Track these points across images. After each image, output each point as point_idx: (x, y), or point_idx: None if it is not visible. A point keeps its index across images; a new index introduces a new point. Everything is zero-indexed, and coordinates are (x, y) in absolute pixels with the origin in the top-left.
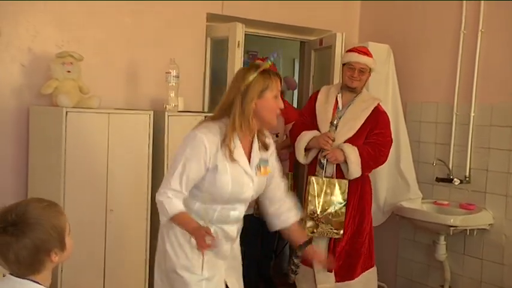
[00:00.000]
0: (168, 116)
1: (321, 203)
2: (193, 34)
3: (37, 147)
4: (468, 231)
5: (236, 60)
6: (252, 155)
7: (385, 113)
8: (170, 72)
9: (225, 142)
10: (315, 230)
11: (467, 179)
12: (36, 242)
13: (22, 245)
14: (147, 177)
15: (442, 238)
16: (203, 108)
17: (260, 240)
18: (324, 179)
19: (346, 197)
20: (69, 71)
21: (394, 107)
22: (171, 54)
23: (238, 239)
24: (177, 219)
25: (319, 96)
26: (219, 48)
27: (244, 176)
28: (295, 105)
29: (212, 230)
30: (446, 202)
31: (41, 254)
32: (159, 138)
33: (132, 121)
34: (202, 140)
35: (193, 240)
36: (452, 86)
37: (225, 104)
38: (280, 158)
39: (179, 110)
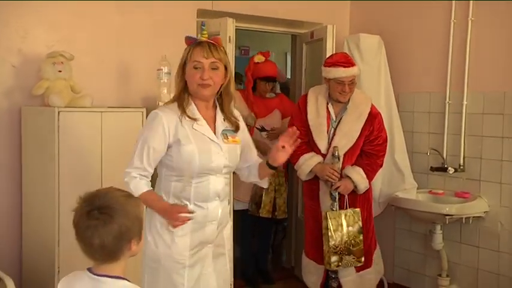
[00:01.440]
0: None
1: (340, 237)
2: (184, 30)
3: (30, 147)
4: (464, 219)
5: (228, 56)
6: (216, 124)
7: (379, 113)
8: (162, 69)
9: (181, 113)
10: (340, 264)
11: (461, 167)
12: (122, 228)
13: (109, 229)
14: None
15: (438, 227)
16: None
17: (257, 236)
18: (338, 211)
19: (361, 224)
20: (60, 71)
21: (387, 98)
22: (163, 51)
23: (229, 229)
24: (144, 199)
25: (309, 108)
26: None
27: (210, 144)
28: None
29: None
30: (441, 191)
31: (123, 241)
32: None
33: (125, 119)
34: (160, 117)
35: (165, 221)
36: (444, 75)
37: (175, 85)
38: None
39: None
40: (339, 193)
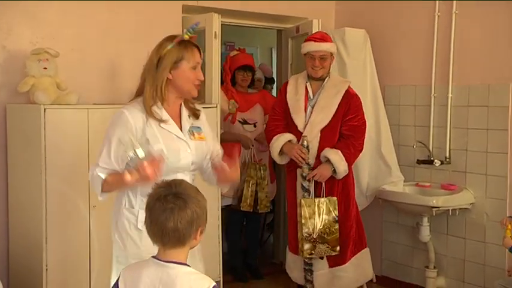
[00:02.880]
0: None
1: (314, 224)
2: (169, 26)
3: (16, 145)
4: (450, 211)
5: (214, 51)
6: (182, 121)
7: (356, 95)
8: None
9: (148, 114)
10: (313, 252)
11: (447, 159)
12: (194, 215)
13: (183, 214)
14: None
15: (425, 219)
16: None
17: (244, 231)
18: (313, 199)
19: (337, 212)
20: (45, 68)
21: (373, 92)
22: (148, 47)
23: None
24: (110, 184)
25: (288, 88)
26: (196, 40)
27: (177, 142)
28: (274, 94)
29: None
30: (427, 184)
31: (193, 228)
32: None
33: (111, 116)
34: (126, 116)
35: (132, 220)
36: (429, 68)
37: (142, 78)
38: (260, 149)
39: None
40: (315, 181)
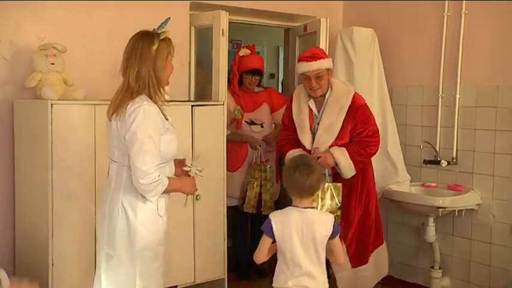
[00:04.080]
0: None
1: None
2: (177, 23)
3: (23, 141)
4: (456, 212)
5: (221, 49)
6: (166, 114)
7: (362, 105)
8: None
9: (160, 108)
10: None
11: (454, 160)
12: (319, 175)
13: (313, 176)
14: None
15: (431, 220)
16: (189, 97)
17: (250, 231)
18: None
19: (341, 199)
20: (52, 63)
21: (380, 92)
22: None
23: None
24: (170, 189)
25: (293, 106)
26: (203, 37)
27: (175, 131)
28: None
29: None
30: (434, 184)
31: (319, 184)
32: None
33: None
34: (154, 111)
35: (162, 207)
36: (437, 68)
37: (137, 75)
38: (267, 149)
39: (165, 99)
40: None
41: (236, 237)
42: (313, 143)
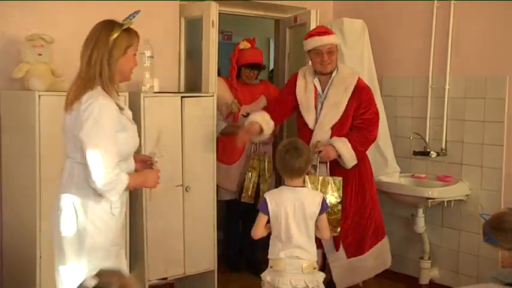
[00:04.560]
0: (144, 97)
1: None
2: (166, 14)
3: (10, 132)
4: (446, 202)
5: (211, 40)
6: (125, 106)
7: (366, 87)
8: (144, 53)
9: (117, 103)
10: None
11: (443, 151)
12: (307, 158)
13: (302, 158)
14: None
15: (421, 211)
16: (179, 89)
17: (246, 227)
18: (318, 177)
19: (341, 193)
20: (40, 54)
21: (370, 83)
22: (145, 34)
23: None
24: (132, 186)
25: (298, 83)
26: (193, 28)
27: (133, 126)
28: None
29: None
30: (423, 175)
31: (308, 165)
32: (135, 120)
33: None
34: (110, 107)
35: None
36: (427, 59)
37: (90, 65)
38: (263, 141)
39: (155, 91)
40: (322, 162)
41: (229, 230)
42: (316, 122)
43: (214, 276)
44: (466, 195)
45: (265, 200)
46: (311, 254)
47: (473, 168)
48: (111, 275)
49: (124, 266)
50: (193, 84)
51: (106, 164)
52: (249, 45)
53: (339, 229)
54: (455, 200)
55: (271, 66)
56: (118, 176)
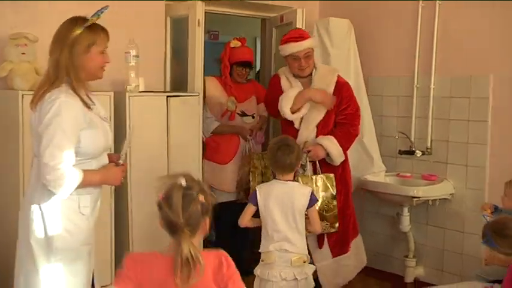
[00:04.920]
0: (129, 96)
1: None
2: (152, 13)
3: None
4: (430, 201)
5: (197, 40)
6: (96, 104)
7: (346, 83)
8: (130, 52)
9: (82, 100)
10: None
11: (428, 150)
12: (298, 154)
13: (294, 155)
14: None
15: (406, 210)
16: (165, 88)
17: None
18: (310, 176)
19: (335, 189)
20: (23, 53)
21: (356, 82)
22: (130, 34)
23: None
24: (87, 182)
25: (283, 84)
26: (179, 27)
27: (104, 124)
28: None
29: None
30: (409, 174)
31: (298, 161)
32: (120, 119)
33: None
34: (71, 104)
35: (85, 205)
36: (412, 59)
37: (56, 63)
38: (258, 141)
39: (140, 90)
40: (311, 161)
41: (222, 234)
42: (300, 121)
43: None
44: (450, 194)
45: (256, 191)
46: (299, 248)
47: (458, 167)
48: (193, 180)
49: (93, 265)
50: (179, 84)
51: (56, 160)
52: (239, 43)
53: (337, 224)
54: (440, 199)
55: (258, 67)
56: (68, 172)
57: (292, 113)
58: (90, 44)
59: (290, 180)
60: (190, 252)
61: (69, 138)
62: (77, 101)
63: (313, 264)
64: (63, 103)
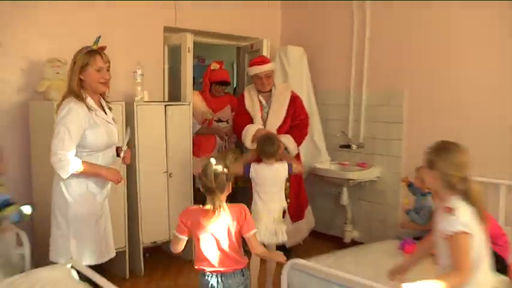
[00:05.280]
0: (137, 105)
1: None
2: (154, 42)
3: (36, 132)
4: (363, 182)
5: (187, 63)
6: (106, 110)
7: (298, 96)
8: (137, 72)
9: (88, 107)
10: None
11: (361, 144)
12: (277, 146)
13: (275, 146)
14: None
15: (345, 189)
16: (164, 99)
17: None
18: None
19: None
20: (57, 73)
21: (308, 95)
22: (137, 58)
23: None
24: (85, 172)
25: (245, 100)
26: (174, 53)
27: (109, 125)
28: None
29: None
30: (347, 162)
31: (277, 151)
32: (130, 122)
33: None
34: (76, 109)
35: (98, 183)
36: (349, 77)
37: (70, 81)
38: (232, 140)
39: (145, 100)
40: None
41: None
42: (264, 125)
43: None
44: (377, 177)
45: (250, 166)
46: (281, 205)
47: (382, 157)
48: (218, 160)
49: (101, 232)
50: (174, 96)
51: (58, 147)
52: (218, 66)
53: (288, 200)
54: (369, 181)
55: (235, 84)
56: (65, 159)
57: (253, 142)
58: (85, 64)
59: (273, 163)
60: (220, 204)
61: (71, 134)
62: (82, 107)
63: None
64: (70, 108)
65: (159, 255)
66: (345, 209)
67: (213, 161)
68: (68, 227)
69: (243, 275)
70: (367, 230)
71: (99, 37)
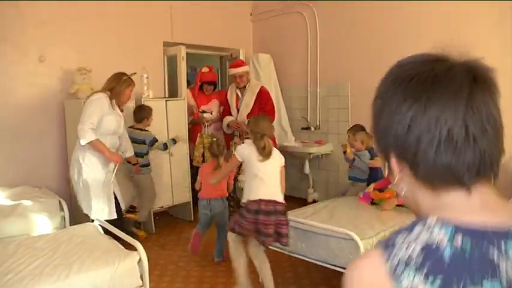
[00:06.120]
0: (144, 101)
1: None
2: (156, 53)
3: (70, 124)
4: (320, 156)
5: (182, 69)
6: (118, 111)
7: (266, 91)
8: (143, 76)
9: (110, 102)
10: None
11: (318, 126)
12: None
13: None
14: None
15: (307, 161)
16: (164, 95)
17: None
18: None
19: None
20: (84, 79)
21: (276, 90)
22: (144, 64)
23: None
24: (95, 145)
25: (228, 93)
26: (171, 61)
27: (118, 117)
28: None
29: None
30: (307, 141)
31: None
32: None
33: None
34: (103, 99)
35: (104, 159)
36: (306, 74)
37: (109, 86)
38: (216, 128)
39: (150, 97)
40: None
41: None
42: (238, 114)
43: (190, 205)
44: (331, 151)
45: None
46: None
47: (334, 135)
48: (218, 138)
49: (111, 195)
50: (172, 93)
51: (84, 119)
52: (208, 69)
53: None
54: (325, 154)
55: (220, 85)
56: (85, 130)
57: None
58: (128, 85)
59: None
60: (221, 163)
61: (96, 113)
62: (107, 99)
63: None
64: (100, 97)
65: (166, 217)
66: (308, 177)
67: (215, 139)
68: (86, 188)
69: (223, 201)
70: (325, 192)
71: (135, 73)
